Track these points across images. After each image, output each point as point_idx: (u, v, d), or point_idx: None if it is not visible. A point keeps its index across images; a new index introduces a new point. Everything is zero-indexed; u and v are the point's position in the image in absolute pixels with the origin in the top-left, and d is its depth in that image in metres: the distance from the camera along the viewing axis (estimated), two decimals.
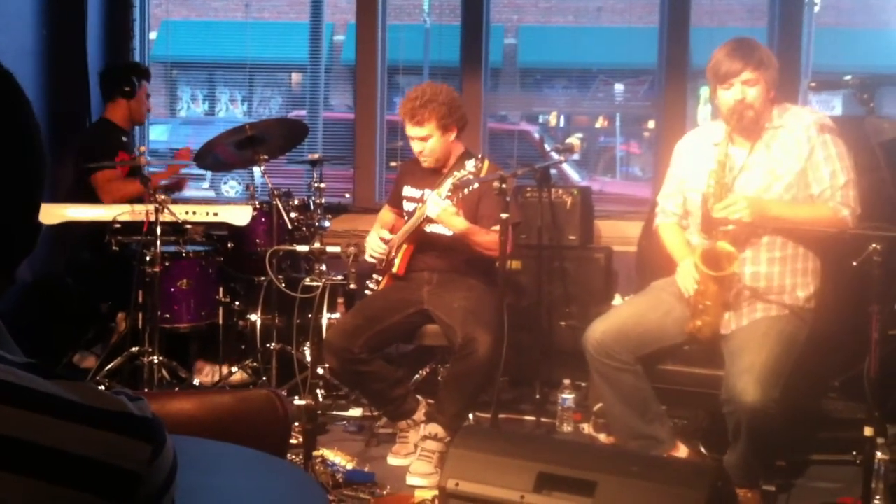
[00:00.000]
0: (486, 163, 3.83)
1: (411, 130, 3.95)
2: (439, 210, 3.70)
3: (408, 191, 4.13)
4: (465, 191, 3.70)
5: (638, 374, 3.38)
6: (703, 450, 3.70)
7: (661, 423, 3.42)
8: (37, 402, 0.85)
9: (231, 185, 8.49)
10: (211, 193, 8.09)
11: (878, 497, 2.88)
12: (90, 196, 4.73)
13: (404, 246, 4.03)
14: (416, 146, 3.99)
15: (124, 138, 4.98)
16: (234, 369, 4.55)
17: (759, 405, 3.01)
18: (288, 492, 1.82)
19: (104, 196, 4.74)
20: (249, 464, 1.93)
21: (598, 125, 8.53)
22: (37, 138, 0.98)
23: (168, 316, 4.42)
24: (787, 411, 3.22)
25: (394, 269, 4.03)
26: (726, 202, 3.23)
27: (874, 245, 2.89)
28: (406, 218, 4.08)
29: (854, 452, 3.47)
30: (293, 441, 3.29)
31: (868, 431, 2.87)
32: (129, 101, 5.06)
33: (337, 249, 3.77)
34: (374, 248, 4.08)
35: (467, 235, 3.80)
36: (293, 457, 3.30)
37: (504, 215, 3.55)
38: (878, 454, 2.87)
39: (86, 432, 0.86)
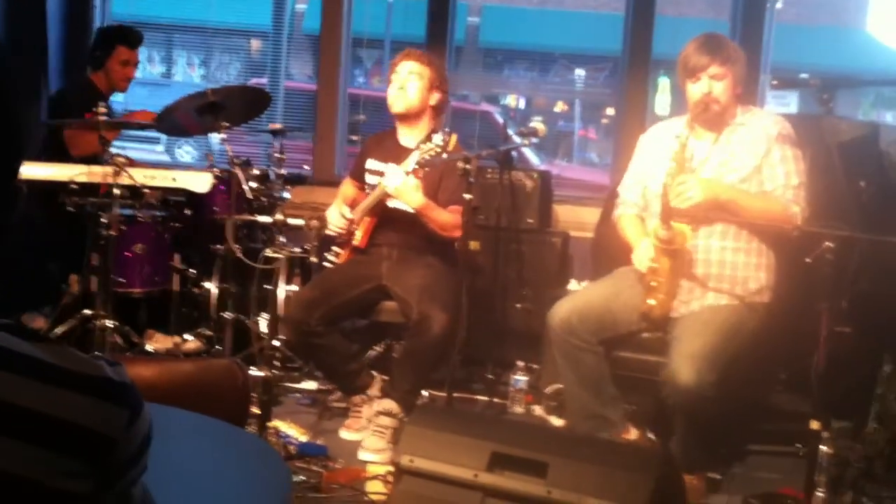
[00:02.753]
0: (454, 137, 3.80)
1: (403, 65, 3.97)
2: (399, 183, 3.71)
3: (372, 164, 4.12)
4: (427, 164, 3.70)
5: (598, 356, 3.46)
6: (650, 435, 3.77)
7: (615, 406, 3.50)
8: (16, 363, 0.85)
9: (186, 150, 8.40)
10: (165, 158, 8.00)
11: (819, 489, 2.96)
12: (58, 151, 4.67)
13: (367, 219, 4.02)
14: (397, 81, 3.98)
15: (102, 104, 4.61)
16: (188, 337, 4.52)
17: (694, 387, 3.09)
18: (250, 461, 1.83)
19: (71, 149, 4.68)
20: (211, 432, 1.93)
21: (557, 109, 8.59)
22: (10, 96, 0.95)
23: (122, 280, 4.37)
24: (732, 400, 3.30)
25: (355, 242, 4.03)
26: (679, 179, 3.30)
27: (827, 243, 2.95)
28: (368, 192, 4.08)
29: (797, 444, 3.55)
30: None
31: (814, 425, 2.94)
32: (100, 69, 5.00)
33: (300, 222, 3.76)
34: (334, 222, 4.06)
35: (424, 212, 3.80)
36: (247, 428, 3.30)
37: (467, 196, 3.57)
38: (823, 447, 2.95)
39: (64, 395, 0.86)
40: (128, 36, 5.06)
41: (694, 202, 3.30)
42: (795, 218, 3.36)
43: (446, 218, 3.84)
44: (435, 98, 4.00)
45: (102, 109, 4.25)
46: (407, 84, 3.96)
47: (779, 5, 6.27)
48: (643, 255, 3.45)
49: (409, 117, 4.02)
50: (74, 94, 4.98)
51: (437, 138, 3.69)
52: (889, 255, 3.62)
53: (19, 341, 0.87)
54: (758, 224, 3.39)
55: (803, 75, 3.26)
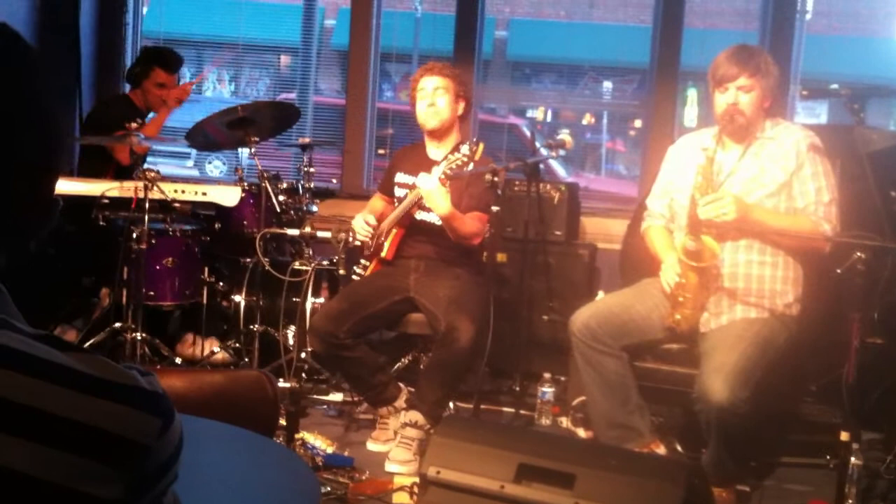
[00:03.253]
0: (481, 145, 3.82)
1: (427, 81, 4.00)
2: (433, 186, 3.71)
3: (400, 177, 4.14)
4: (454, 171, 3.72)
5: (622, 361, 3.43)
6: (678, 447, 3.75)
7: (641, 416, 3.45)
8: (52, 372, 0.87)
9: (215, 165, 8.46)
10: (195, 172, 8.07)
11: (850, 501, 2.93)
12: (100, 158, 4.76)
13: (394, 230, 4.04)
14: (425, 98, 4.00)
15: (139, 119, 4.72)
16: (216, 349, 4.55)
17: (727, 404, 3.06)
18: (280, 471, 1.84)
19: (118, 154, 4.76)
20: (240, 443, 1.94)
21: (584, 122, 8.56)
22: (44, 102, 0.96)
23: (152, 293, 4.41)
24: (763, 412, 3.27)
25: (383, 254, 4.04)
26: (714, 196, 3.28)
27: (858, 254, 2.93)
28: (397, 205, 4.09)
29: (827, 456, 3.52)
30: None
31: (844, 436, 2.91)
32: (137, 88, 5.06)
33: (328, 234, 3.78)
34: (358, 230, 4.07)
35: (450, 220, 3.81)
36: (275, 438, 3.31)
37: (495, 208, 3.58)
38: (853, 459, 2.92)
39: (98, 404, 0.87)
40: (166, 59, 5.08)
41: (726, 220, 3.28)
42: (826, 236, 3.33)
43: (469, 227, 3.85)
44: (461, 108, 4.04)
45: (135, 125, 4.31)
46: (437, 100, 3.99)
47: (808, 16, 6.23)
48: (669, 274, 3.42)
49: (440, 132, 4.04)
50: (112, 110, 5.02)
51: (465, 148, 3.72)
52: None
53: (55, 351, 0.89)
54: (785, 239, 3.37)
55: (833, 85, 3.25)
